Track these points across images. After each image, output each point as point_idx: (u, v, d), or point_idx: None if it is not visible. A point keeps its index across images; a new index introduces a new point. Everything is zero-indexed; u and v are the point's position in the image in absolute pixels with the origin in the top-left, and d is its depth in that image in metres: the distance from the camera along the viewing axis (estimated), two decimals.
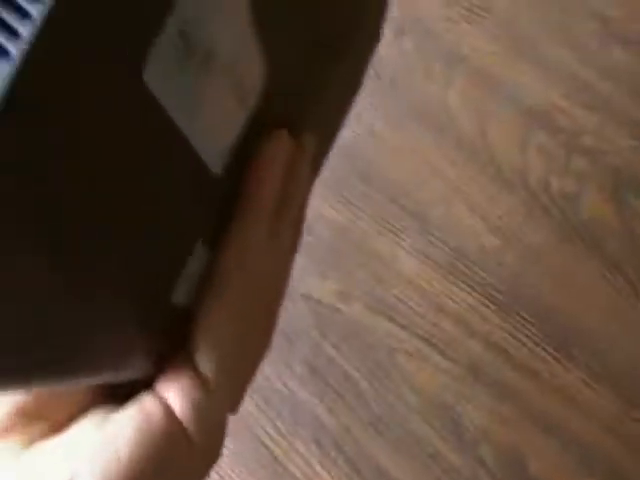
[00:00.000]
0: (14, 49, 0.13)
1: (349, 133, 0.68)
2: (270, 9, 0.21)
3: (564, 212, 0.64)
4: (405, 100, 0.70)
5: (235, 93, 0.21)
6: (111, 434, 0.22)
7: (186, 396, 0.23)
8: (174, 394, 0.23)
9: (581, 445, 0.57)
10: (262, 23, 0.20)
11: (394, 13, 0.71)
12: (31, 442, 0.23)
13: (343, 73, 0.30)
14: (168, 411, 0.22)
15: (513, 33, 0.71)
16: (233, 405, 0.26)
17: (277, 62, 0.22)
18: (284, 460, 0.60)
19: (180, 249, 0.22)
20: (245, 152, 0.23)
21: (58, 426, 0.23)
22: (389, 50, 0.72)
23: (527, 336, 0.61)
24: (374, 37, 0.32)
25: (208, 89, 0.19)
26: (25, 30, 0.13)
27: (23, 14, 0.13)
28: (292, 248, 0.28)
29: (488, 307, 0.62)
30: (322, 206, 0.67)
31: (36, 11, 0.13)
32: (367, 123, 0.69)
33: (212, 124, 0.20)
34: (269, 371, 0.62)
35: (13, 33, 0.13)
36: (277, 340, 0.60)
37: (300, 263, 0.61)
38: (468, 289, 0.63)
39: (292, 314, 0.64)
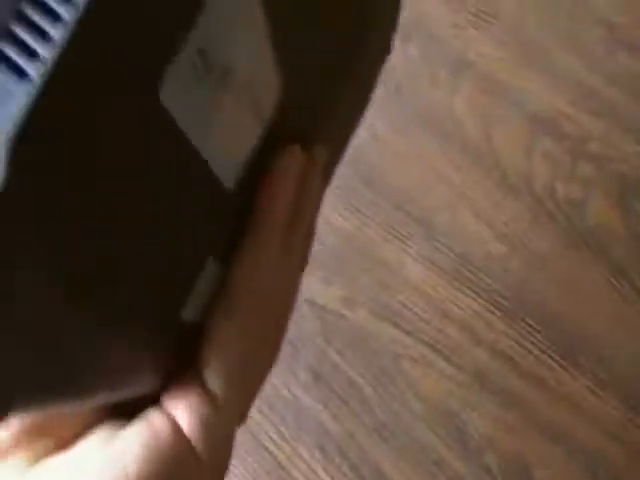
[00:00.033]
0: (33, 70, 0.13)
1: (354, 139, 0.68)
2: (287, 25, 0.21)
3: (570, 218, 0.64)
4: (410, 106, 0.70)
5: (251, 109, 0.21)
6: (119, 450, 0.22)
7: (194, 413, 0.22)
8: (182, 411, 0.23)
9: (586, 453, 0.57)
10: (279, 38, 0.20)
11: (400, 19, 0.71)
12: (36, 459, 0.23)
13: (354, 88, 0.30)
14: (176, 428, 0.22)
15: (520, 39, 0.71)
16: (241, 418, 0.26)
17: (292, 76, 0.22)
18: (288, 466, 0.60)
19: (192, 265, 0.22)
20: (258, 166, 0.23)
21: (63, 443, 0.23)
22: (395, 56, 0.71)
23: (533, 343, 0.60)
24: (385, 51, 0.32)
25: (224, 106, 0.19)
26: (45, 51, 0.13)
27: (42, 34, 0.13)
28: (303, 262, 0.28)
29: (493, 313, 0.62)
30: (328, 213, 0.67)
31: (57, 33, 0.13)
32: (372, 129, 0.69)
33: (227, 140, 0.20)
34: (273, 377, 0.62)
35: (31, 54, 0.13)
36: None
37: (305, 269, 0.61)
38: (473, 295, 0.63)
39: (297, 320, 0.63)
